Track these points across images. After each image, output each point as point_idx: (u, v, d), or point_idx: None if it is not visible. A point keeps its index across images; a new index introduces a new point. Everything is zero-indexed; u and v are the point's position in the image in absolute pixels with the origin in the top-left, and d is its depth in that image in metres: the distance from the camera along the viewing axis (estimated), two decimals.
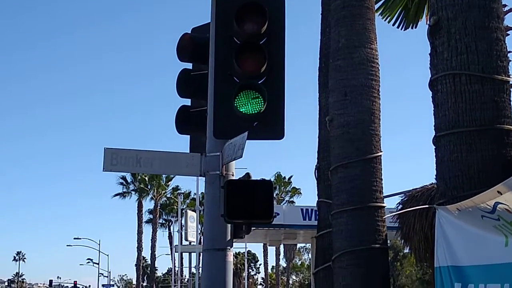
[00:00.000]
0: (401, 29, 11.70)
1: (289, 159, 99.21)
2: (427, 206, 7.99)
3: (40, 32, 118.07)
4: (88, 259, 71.04)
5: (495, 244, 5.31)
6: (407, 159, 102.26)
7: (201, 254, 6.29)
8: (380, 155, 7.85)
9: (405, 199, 10.01)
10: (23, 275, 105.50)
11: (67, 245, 73.23)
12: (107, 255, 66.89)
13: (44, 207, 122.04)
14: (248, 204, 5.61)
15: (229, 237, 5.86)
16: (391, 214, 8.70)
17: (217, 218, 5.68)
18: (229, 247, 5.86)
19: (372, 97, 7.86)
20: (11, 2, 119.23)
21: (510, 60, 6.75)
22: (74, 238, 62.60)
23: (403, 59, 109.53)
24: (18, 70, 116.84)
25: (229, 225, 5.81)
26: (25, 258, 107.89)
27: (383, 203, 7.83)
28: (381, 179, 7.84)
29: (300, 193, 61.51)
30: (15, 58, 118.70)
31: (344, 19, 7.95)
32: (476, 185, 5.98)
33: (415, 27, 11.72)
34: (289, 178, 61.78)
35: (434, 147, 6.48)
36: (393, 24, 11.69)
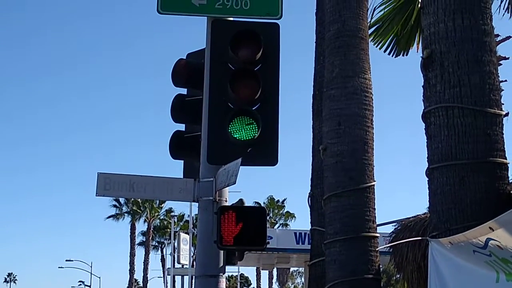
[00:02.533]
0: (393, 56, 11.81)
1: (282, 182, 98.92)
2: (420, 238, 7.97)
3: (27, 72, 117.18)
4: (80, 281, 70.15)
5: (486, 280, 5.30)
6: (400, 188, 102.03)
7: (194, 277, 6.24)
8: (373, 185, 7.85)
9: (399, 228, 9.99)
10: None
11: (59, 267, 72.17)
12: (99, 278, 65.83)
13: (35, 228, 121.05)
14: (241, 231, 5.59)
15: (221, 264, 5.83)
16: (384, 246, 8.68)
17: (210, 244, 5.65)
18: (221, 274, 5.83)
19: (365, 126, 7.87)
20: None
21: (503, 90, 6.81)
22: (66, 260, 61.64)
23: (397, 89, 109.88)
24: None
25: (221, 252, 5.79)
26: (16, 279, 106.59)
27: (376, 233, 7.80)
28: (374, 209, 7.82)
29: (294, 216, 61.36)
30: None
31: (338, 49, 8.00)
32: (468, 218, 5.98)
33: (406, 55, 11.83)
34: (283, 201, 61.65)
35: (427, 179, 6.49)
36: (385, 51, 11.77)
